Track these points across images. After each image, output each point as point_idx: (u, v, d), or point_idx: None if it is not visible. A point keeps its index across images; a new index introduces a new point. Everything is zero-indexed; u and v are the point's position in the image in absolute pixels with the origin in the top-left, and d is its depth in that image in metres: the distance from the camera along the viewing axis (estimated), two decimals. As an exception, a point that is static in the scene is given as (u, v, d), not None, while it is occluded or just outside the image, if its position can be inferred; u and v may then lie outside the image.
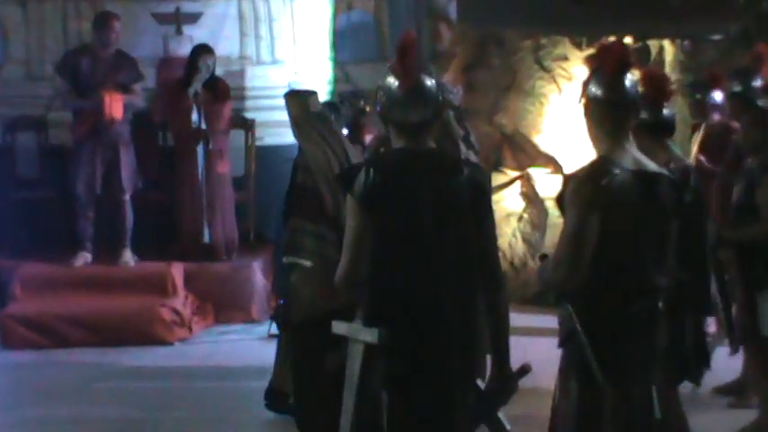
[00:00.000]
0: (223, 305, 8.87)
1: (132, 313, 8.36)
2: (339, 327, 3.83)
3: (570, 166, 9.29)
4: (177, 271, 8.76)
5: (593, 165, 3.81)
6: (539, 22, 9.63)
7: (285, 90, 9.34)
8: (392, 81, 3.82)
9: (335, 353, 4.04)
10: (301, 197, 5.76)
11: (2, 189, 8.88)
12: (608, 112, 3.78)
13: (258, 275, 9.13)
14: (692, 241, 4.72)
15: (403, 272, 3.69)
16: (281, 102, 9.72)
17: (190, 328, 8.55)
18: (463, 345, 3.72)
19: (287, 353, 5.93)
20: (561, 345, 3.85)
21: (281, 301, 8.25)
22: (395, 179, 3.74)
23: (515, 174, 9.44)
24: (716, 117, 7.37)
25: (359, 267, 3.72)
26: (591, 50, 9.13)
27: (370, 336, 3.65)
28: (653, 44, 9.22)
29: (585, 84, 3.89)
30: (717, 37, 9.22)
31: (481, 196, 3.79)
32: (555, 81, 9.46)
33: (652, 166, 3.85)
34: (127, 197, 8.84)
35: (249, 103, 9.80)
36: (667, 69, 8.98)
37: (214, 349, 8.23)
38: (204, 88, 8.90)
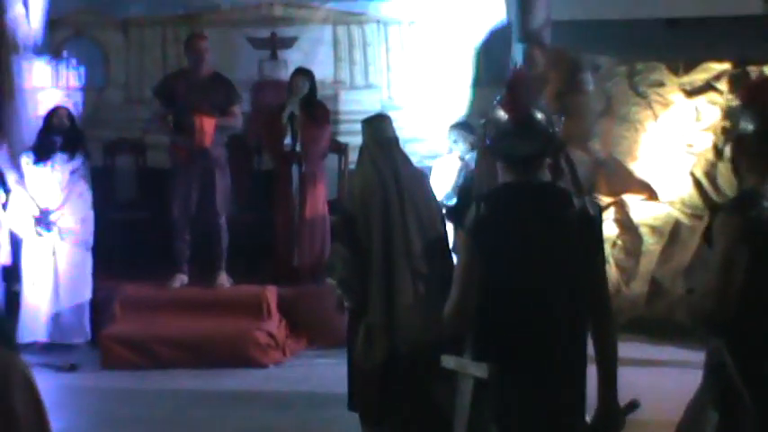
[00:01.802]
0: (315, 328, 8.89)
1: (228, 336, 8.47)
2: (448, 361, 3.87)
3: (665, 193, 9.31)
4: (271, 294, 8.86)
5: (741, 197, 3.80)
6: (633, 48, 9.60)
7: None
8: (501, 114, 3.84)
9: (444, 387, 4.12)
10: (340, 222, 6.16)
11: (101, 210, 8.99)
12: (760, 146, 3.76)
13: None
14: None
15: (512, 306, 3.72)
16: None
17: (284, 351, 8.63)
18: (573, 379, 3.75)
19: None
20: (705, 377, 3.84)
21: None
22: (505, 213, 3.77)
23: (609, 200, 9.40)
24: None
25: (469, 300, 3.75)
26: (687, 77, 9.32)
27: (479, 371, 3.69)
28: (752, 70, 9.08)
29: (734, 117, 3.94)
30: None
31: (592, 229, 3.82)
32: (650, 107, 9.37)
33: None
34: (222, 220, 8.96)
35: (343, 127, 9.92)
36: None
37: (308, 373, 8.28)
38: (302, 111, 8.99)
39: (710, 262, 3.75)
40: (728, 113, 3.91)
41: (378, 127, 6.24)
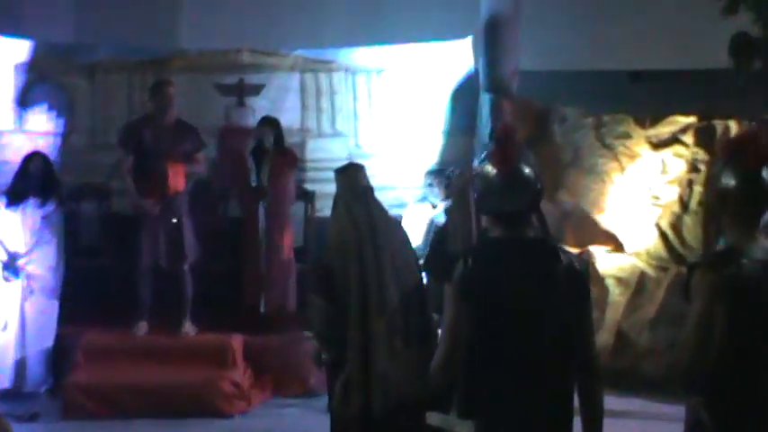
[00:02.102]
0: (281, 377, 8.86)
1: (193, 384, 8.37)
2: (433, 418, 3.83)
3: (631, 245, 9.37)
4: (237, 342, 8.80)
5: (720, 253, 3.83)
6: (599, 99, 9.77)
7: (344, 161, 10.03)
8: (489, 169, 3.86)
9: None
10: (316, 272, 6.13)
11: (66, 256, 8.91)
12: (742, 205, 3.80)
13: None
14: None
15: (499, 362, 3.71)
16: None
17: (249, 401, 8.54)
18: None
19: None
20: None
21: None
22: (493, 268, 3.77)
23: (576, 251, 9.42)
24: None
25: (456, 356, 3.74)
26: (653, 129, 9.41)
27: (465, 429, 3.67)
28: (718, 123, 9.21)
29: (715, 173, 3.91)
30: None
31: (579, 285, 3.81)
32: (617, 159, 9.48)
33: None
34: (187, 267, 8.92)
35: (309, 175, 9.90)
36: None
37: (274, 423, 8.20)
38: (270, 158, 9.01)
39: (689, 318, 3.77)
40: (715, 171, 3.86)
41: (352, 176, 6.22)
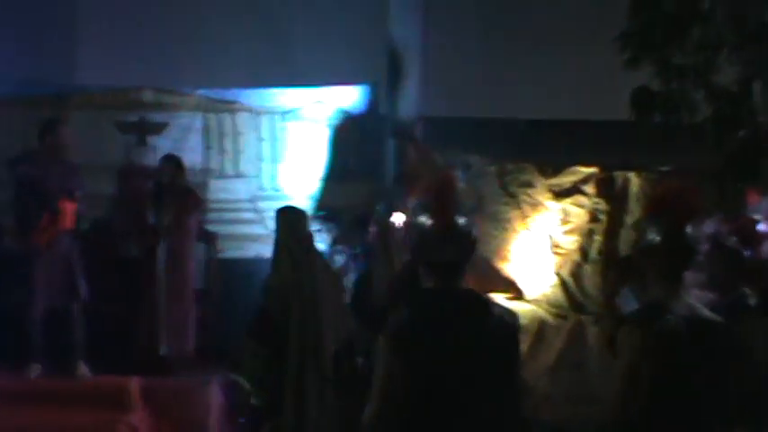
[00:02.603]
0: (180, 422, 8.56)
1: (89, 429, 8.17)
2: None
3: (530, 292, 9.52)
4: (134, 384, 8.58)
5: (645, 309, 3.92)
6: (502, 147, 9.87)
7: (247, 203, 10.05)
8: (424, 220, 3.84)
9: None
10: (256, 319, 6.17)
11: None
12: (667, 260, 3.86)
13: (217, 393, 8.79)
14: None
15: (433, 415, 3.69)
16: (244, 215, 10.07)
17: (147, 447, 8.35)
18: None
19: None
20: None
21: (241, 420, 8.40)
22: (428, 320, 3.76)
23: None
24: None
25: (387, 410, 3.72)
26: (556, 179, 9.61)
27: None
28: (618, 174, 9.47)
29: (641, 228, 4.01)
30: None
31: (511, 339, 3.85)
32: (519, 207, 9.64)
33: (708, 313, 3.92)
34: (79, 307, 8.71)
35: (212, 216, 9.89)
36: (632, 202, 9.33)
37: None
38: (172, 199, 8.98)
39: (615, 372, 3.87)
40: (641, 226, 3.95)
41: (294, 221, 6.31)
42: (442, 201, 3.87)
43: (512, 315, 3.91)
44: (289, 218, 6.32)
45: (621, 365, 3.82)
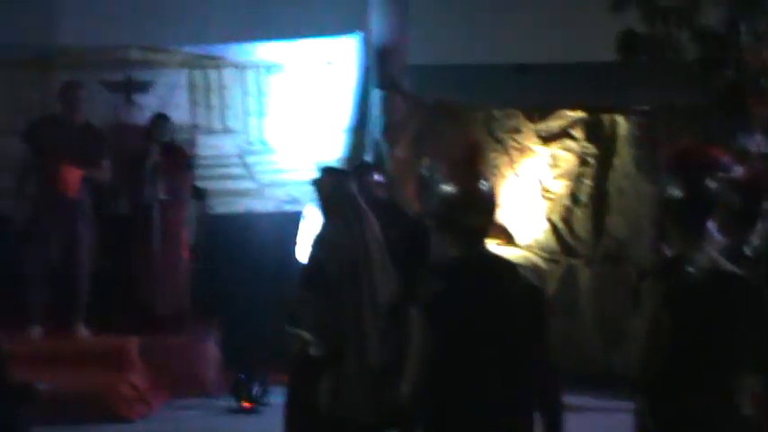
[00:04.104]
0: (178, 378, 8.90)
1: (91, 388, 8.36)
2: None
3: (521, 238, 9.76)
4: (132, 344, 8.83)
5: (667, 262, 3.97)
6: (487, 93, 10.06)
7: (235, 158, 10.19)
8: (447, 186, 3.85)
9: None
10: (310, 270, 6.18)
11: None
12: (687, 213, 3.90)
13: (212, 348, 9.30)
14: None
15: (466, 382, 3.77)
16: (232, 171, 10.20)
17: (148, 404, 8.62)
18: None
19: None
20: None
21: (241, 377, 8.69)
22: (460, 290, 3.80)
23: None
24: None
25: (424, 381, 3.77)
26: (543, 123, 9.73)
27: None
28: (605, 118, 9.60)
29: (661, 183, 4.02)
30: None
31: (539, 303, 3.91)
32: (507, 153, 9.78)
33: (728, 266, 3.94)
34: (82, 271, 8.93)
35: (200, 173, 9.95)
36: (620, 144, 9.52)
37: (176, 427, 8.31)
38: (164, 158, 9.10)
39: (637, 325, 3.87)
40: (661, 181, 4.04)
41: (340, 182, 6.36)
42: (468, 166, 3.87)
43: (536, 277, 4.01)
44: (332, 178, 6.42)
45: (643, 318, 3.85)
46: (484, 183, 3.88)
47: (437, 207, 3.92)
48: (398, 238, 6.88)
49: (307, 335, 5.98)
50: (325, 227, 6.24)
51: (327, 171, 6.61)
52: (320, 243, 6.18)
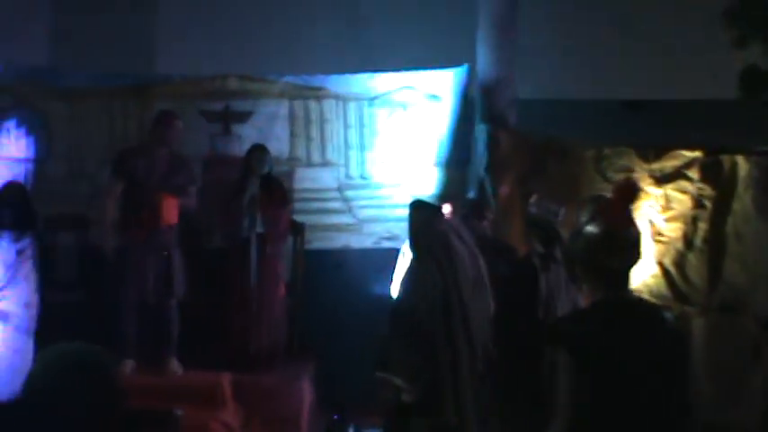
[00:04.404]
0: (272, 420, 8.77)
1: (183, 426, 8.13)
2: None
3: (631, 282, 9.40)
4: (226, 381, 8.74)
5: None
6: (597, 130, 9.79)
7: (334, 192, 10.09)
8: (594, 226, 3.83)
9: None
10: (400, 311, 6.07)
11: (41, 292, 8.72)
12: None
13: (308, 388, 9.14)
14: None
15: (612, 428, 3.72)
16: (331, 205, 10.06)
17: (241, 444, 8.43)
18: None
19: None
20: None
21: (336, 417, 8.49)
22: (610, 334, 3.75)
23: None
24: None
25: (575, 425, 3.71)
26: (657, 163, 9.37)
27: None
28: (724, 158, 9.21)
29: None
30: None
31: (683, 348, 3.87)
32: (618, 193, 9.50)
33: None
34: (174, 303, 8.86)
35: (298, 206, 9.88)
36: (740, 186, 9.13)
37: None
38: (262, 191, 8.99)
39: (758, 381, 3.85)
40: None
41: (430, 219, 6.24)
42: (621, 207, 3.86)
43: (680, 323, 4.04)
44: (424, 213, 6.30)
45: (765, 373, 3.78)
46: (632, 225, 3.89)
47: (580, 249, 3.86)
48: (509, 277, 6.88)
49: (398, 380, 5.87)
50: (414, 265, 6.13)
51: (416, 206, 6.45)
52: (410, 282, 6.09)
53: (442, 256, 5.94)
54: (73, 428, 2.84)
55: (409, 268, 6.14)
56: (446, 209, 7.40)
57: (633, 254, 3.85)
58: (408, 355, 5.84)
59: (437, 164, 10.16)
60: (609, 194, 4.01)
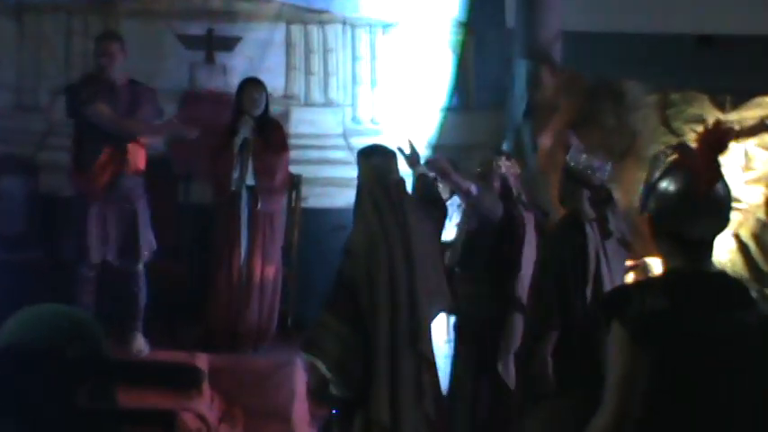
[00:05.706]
0: (256, 410, 8.17)
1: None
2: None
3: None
4: (201, 363, 8.03)
5: None
6: (662, 71, 9.35)
7: (338, 139, 9.62)
8: (670, 183, 3.56)
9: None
10: (337, 289, 5.97)
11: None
12: None
13: (300, 374, 8.48)
14: None
15: (685, 422, 3.48)
16: (334, 154, 9.54)
17: (217, 441, 8.14)
18: None
19: None
20: None
21: (334, 411, 7.69)
22: (683, 310, 3.50)
23: (628, 263, 8.75)
24: None
25: (630, 413, 3.47)
26: (736, 113, 8.93)
27: None
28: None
29: None
30: None
31: None
32: (686, 149, 8.96)
33: None
34: (141, 267, 8.21)
35: (293, 155, 9.07)
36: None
37: None
38: (256, 135, 8.31)
39: None
40: None
41: (380, 165, 6.14)
42: (710, 162, 3.49)
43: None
44: (373, 161, 6.16)
45: None
46: (721, 182, 3.59)
47: (655, 210, 3.61)
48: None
49: (324, 369, 5.82)
50: (355, 229, 6.09)
51: (366, 152, 6.40)
52: (348, 251, 6.00)
53: (386, 205, 5.91)
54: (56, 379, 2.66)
55: (351, 234, 6.09)
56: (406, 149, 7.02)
57: (720, 218, 3.60)
58: (338, 338, 5.77)
59: (464, 107, 9.77)
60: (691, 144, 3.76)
